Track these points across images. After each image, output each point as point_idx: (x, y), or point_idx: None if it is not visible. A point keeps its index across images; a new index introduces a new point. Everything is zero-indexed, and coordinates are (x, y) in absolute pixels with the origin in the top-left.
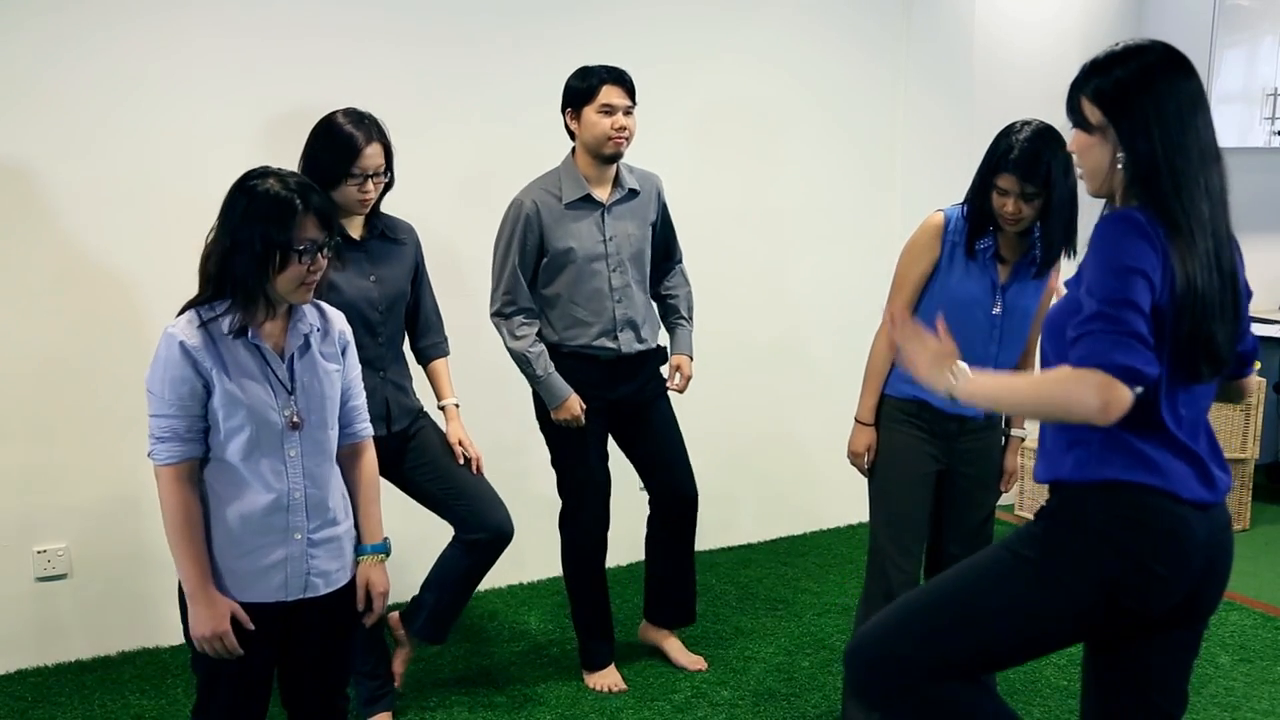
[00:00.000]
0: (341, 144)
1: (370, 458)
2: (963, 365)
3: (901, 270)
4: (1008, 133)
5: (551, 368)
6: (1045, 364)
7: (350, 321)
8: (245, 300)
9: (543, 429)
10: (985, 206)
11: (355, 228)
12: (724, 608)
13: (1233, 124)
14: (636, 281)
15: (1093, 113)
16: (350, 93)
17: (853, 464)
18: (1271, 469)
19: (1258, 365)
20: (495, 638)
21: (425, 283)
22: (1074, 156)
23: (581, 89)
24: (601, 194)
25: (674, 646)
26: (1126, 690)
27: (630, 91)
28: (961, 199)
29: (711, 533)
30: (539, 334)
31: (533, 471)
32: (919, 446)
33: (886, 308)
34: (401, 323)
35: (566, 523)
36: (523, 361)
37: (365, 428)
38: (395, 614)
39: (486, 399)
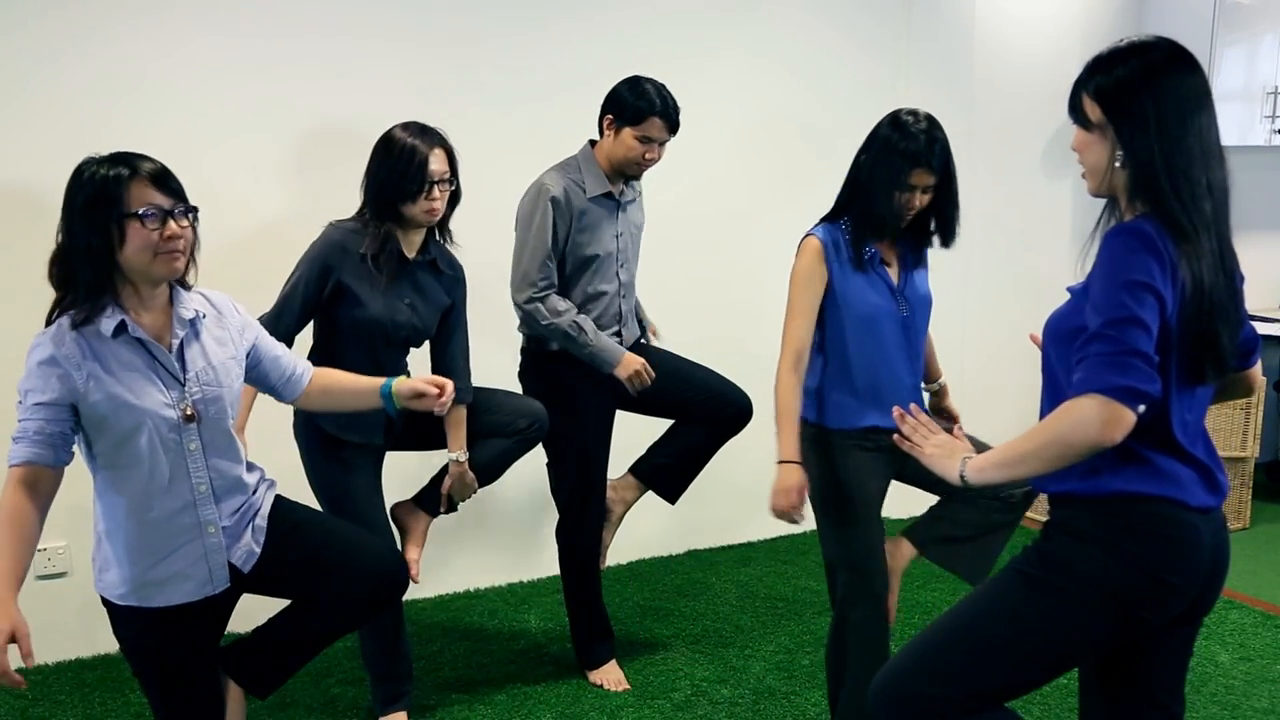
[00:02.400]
0: (405, 156)
1: (328, 370)
2: (969, 449)
3: (794, 300)
4: (903, 126)
5: (600, 334)
6: (1048, 367)
7: (370, 337)
8: (99, 291)
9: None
10: (881, 209)
11: (411, 247)
12: (724, 606)
13: (1233, 122)
14: (634, 277)
15: (1092, 110)
16: (348, 91)
17: (781, 513)
18: (1271, 467)
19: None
20: (495, 636)
21: (461, 323)
22: (1076, 155)
23: (630, 109)
24: (617, 191)
25: (630, 496)
26: (1133, 692)
27: (674, 127)
28: (834, 212)
29: (711, 532)
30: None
31: (532, 471)
32: (869, 465)
33: (786, 337)
34: (418, 346)
35: (565, 531)
36: (573, 330)
37: (305, 368)
38: None
39: None
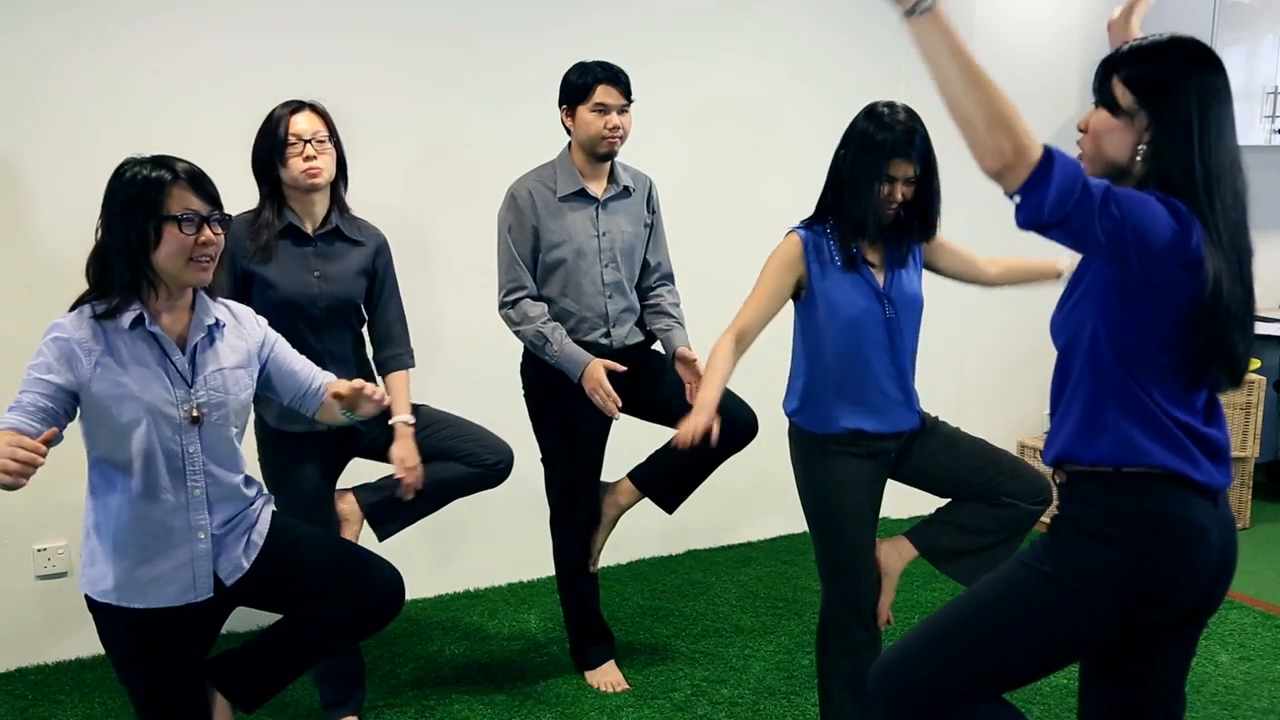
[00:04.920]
0: (271, 125)
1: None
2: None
3: (761, 282)
4: (879, 118)
5: (567, 341)
6: (1062, 357)
7: (289, 318)
8: (130, 288)
9: (536, 429)
10: (863, 204)
11: (310, 221)
12: (724, 606)
13: None
14: (628, 279)
15: (1124, 96)
16: (349, 91)
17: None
18: (1271, 467)
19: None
20: (495, 636)
21: (390, 291)
22: (1083, 136)
23: (577, 87)
24: (596, 189)
25: (624, 501)
26: (1134, 692)
27: (626, 90)
28: (817, 213)
29: (711, 532)
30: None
31: (531, 469)
32: (857, 470)
33: (739, 314)
34: (352, 326)
35: (558, 525)
36: (538, 339)
37: (324, 382)
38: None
39: (482, 395)
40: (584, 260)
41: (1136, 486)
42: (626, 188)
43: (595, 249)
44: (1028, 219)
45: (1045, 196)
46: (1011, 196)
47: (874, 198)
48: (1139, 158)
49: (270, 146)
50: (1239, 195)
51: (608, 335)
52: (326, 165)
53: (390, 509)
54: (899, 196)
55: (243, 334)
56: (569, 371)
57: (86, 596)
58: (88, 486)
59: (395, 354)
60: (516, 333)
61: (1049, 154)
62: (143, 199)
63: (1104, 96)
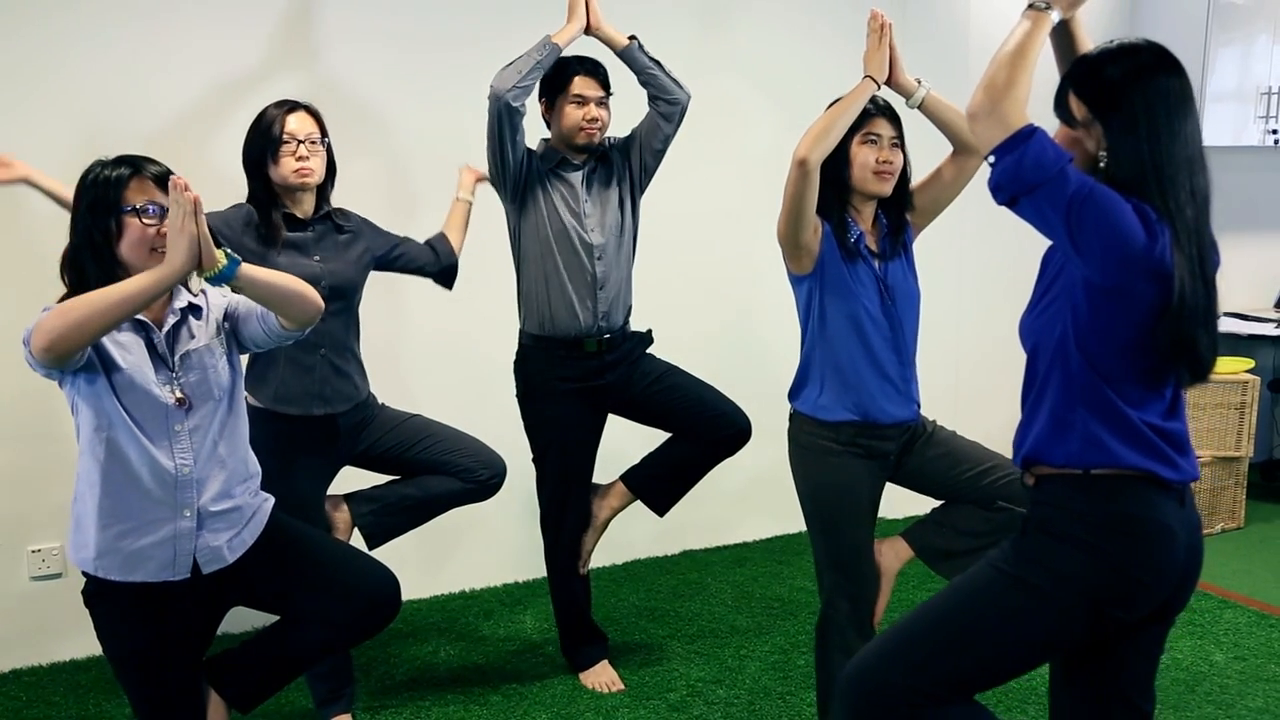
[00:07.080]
0: (265, 124)
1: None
2: None
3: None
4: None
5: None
6: (1031, 359)
7: None
8: (106, 284)
9: (528, 429)
10: (855, 164)
11: (302, 209)
12: (720, 606)
13: (1227, 123)
14: (614, 238)
15: (1079, 109)
16: (350, 94)
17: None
18: (1266, 467)
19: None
20: (491, 637)
21: (404, 239)
22: None
23: (556, 81)
24: (578, 159)
25: (616, 504)
26: (1104, 690)
27: (604, 82)
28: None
29: (707, 532)
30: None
31: (527, 470)
32: (859, 470)
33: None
34: (349, 311)
35: (549, 526)
36: (523, 58)
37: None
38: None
39: (477, 397)
40: (567, 221)
41: (1104, 488)
42: (605, 155)
43: (580, 213)
44: (997, 181)
45: (1018, 161)
46: (987, 158)
47: (847, 175)
48: (1101, 165)
49: (263, 145)
50: (1196, 192)
51: (594, 298)
52: (318, 166)
53: (382, 519)
54: (885, 154)
55: (210, 310)
56: (551, 49)
57: (81, 592)
58: (78, 457)
59: (439, 240)
60: (505, 72)
61: (1032, 128)
62: (104, 196)
63: (1062, 112)
